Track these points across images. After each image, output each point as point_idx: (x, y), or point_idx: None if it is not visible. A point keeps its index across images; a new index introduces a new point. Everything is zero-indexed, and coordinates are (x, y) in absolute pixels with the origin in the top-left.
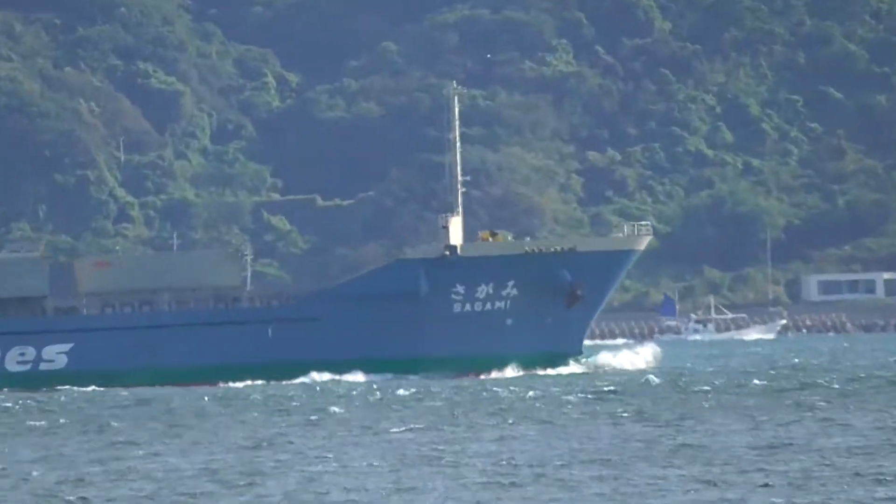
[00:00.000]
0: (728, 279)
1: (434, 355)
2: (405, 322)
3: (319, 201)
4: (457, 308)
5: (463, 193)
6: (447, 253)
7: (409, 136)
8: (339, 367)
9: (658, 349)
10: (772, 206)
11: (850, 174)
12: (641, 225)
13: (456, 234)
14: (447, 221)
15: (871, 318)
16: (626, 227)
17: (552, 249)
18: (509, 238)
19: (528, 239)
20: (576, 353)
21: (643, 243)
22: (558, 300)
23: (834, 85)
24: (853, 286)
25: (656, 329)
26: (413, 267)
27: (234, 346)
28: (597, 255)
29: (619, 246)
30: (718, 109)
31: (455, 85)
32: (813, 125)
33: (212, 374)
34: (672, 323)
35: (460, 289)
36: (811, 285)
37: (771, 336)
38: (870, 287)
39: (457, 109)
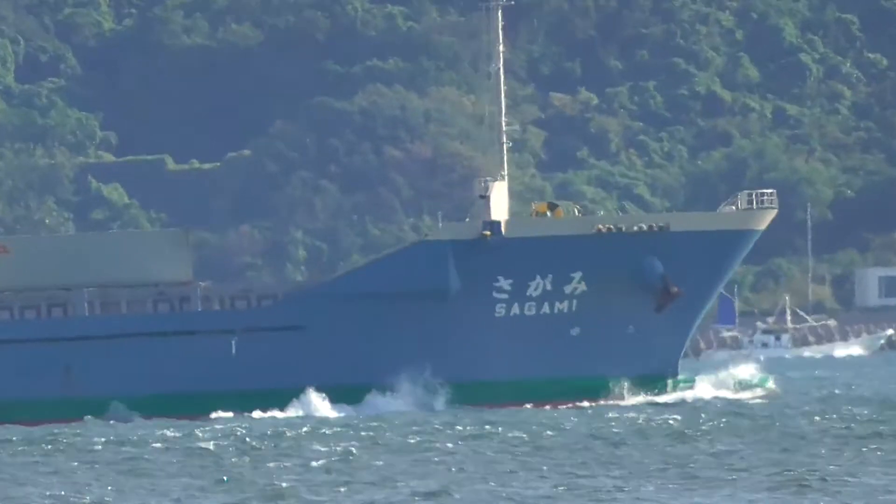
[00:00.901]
0: (751, 276)
1: (468, 379)
2: (428, 332)
3: (170, 164)
4: (500, 311)
5: (509, 149)
6: (487, 233)
7: (299, 73)
8: (335, 395)
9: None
10: (814, 173)
11: None
12: (764, 194)
13: (500, 207)
14: (487, 189)
15: None
16: (742, 196)
17: (636, 228)
18: (575, 212)
19: (602, 213)
20: (670, 374)
21: (765, 220)
22: (645, 300)
23: None
24: None
25: (705, 342)
26: (438, 253)
27: (184, 367)
28: (699, 236)
29: (729, 224)
30: (739, 34)
31: None
32: (874, 55)
33: (151, 405)
34: (731, 333)
35: (505, 283)
36: (868, 282)
37: (867, 352)
38: None
39: (500, 29)
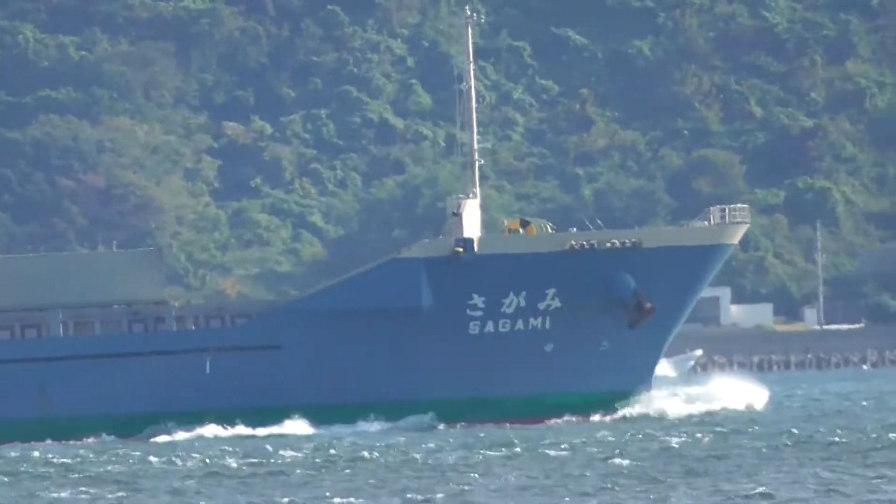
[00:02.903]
0: None
1: (441, 396)
2: (401, 349)
3: None
4: (474, 328)
5: (481, 167)
6: (460, 250)
7: None
8: (311, 414)
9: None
10: (488, 200)
11: (599, 152)
12: (736, 209)
13: (472, 224)
14: (460, 206)
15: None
16: (713, 211)
17: (608, 244)
18: (547, 228)
19: (575, 230)
20: (644, 389)
21: (737, 235)
22: (618, 316)
23: (575, 24)
24: None
25: None
26: (411, 270)
27: (158, 387)
28: (671, 251)
29: (702, 240)
30: (410, 61)
31: (469, 12)
32: (545, 82)
33: (126, 424)
34: None
35: (479, 300)
36: None
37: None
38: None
39: (471, 44)
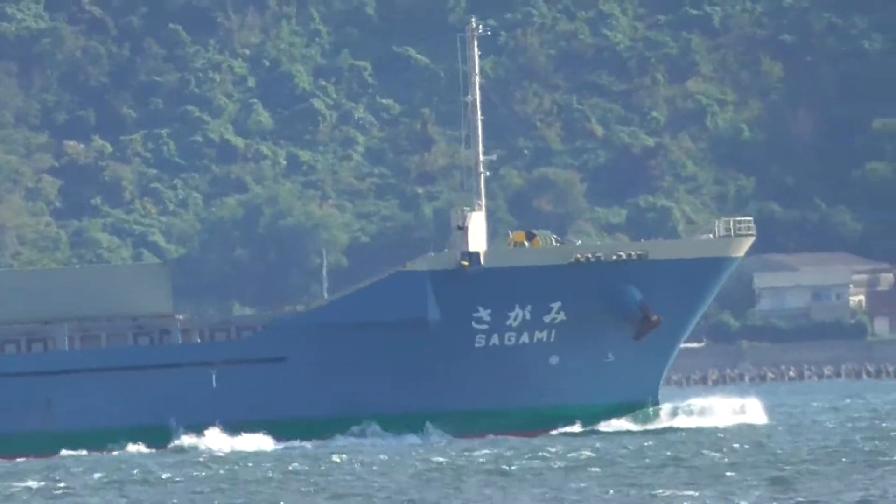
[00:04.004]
0: None
1: (448, 408)
2: (407, 361)
3: None
4: (480, 341)
5: (486, 178)
6: (465, 263)
7: None
8: (315, 428)
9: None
10: (329, 219)
11: (440, 171)
12: (741, 222)
13: (478, 237)
14: (465, 219)
15: None
16: (718, 224)
17: (614, 257)
18: (553, 241)
19: (580, 243)
20: (650, 401)
21: (743, 248)
22: (624, 328)
23: (416, 44)
24: None
25: None
26: (417, 283)
27: (165, 400)
28: (677, 264)
29: (707, 252)
30: (251, 81)
31: (475, 23)
32: (386, 101)
33: (132, 437)
34: None
35: (485, 313)
36: None
37: None
38: None
39: (477, 57)
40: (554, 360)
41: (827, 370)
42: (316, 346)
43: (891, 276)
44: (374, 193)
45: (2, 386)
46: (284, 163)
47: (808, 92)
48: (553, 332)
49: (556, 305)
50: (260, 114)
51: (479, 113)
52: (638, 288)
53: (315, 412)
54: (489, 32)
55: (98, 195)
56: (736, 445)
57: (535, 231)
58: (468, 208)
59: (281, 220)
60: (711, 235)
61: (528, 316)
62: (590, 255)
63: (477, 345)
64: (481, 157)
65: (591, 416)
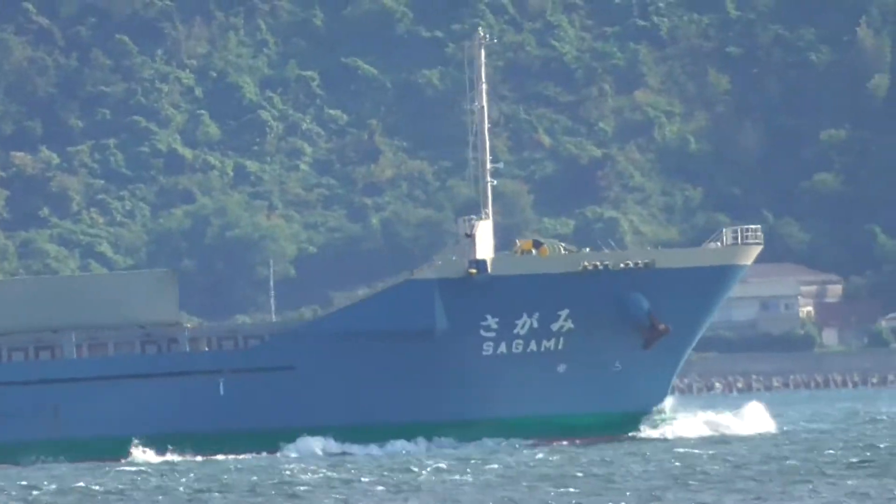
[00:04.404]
0: None
1: (455, 418)
2: (415, 370)
3: None
4: (487, 349)
5: (493, 187)
6: (473, 271)
7: None
8: (324, 436)
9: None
10: (276, 230)
11: (387, 182)
12: (749, 230)
13: (485, 246)
14: (472, 227)
15: None
16: (726, 233)
17: (622, 265)
18: (560, 249)
19: (588, 251)
20: (658, 411)
21: (750, 256)
22: (632, 337)
23: (364, 54)
24: None
25: None
26: (425, 292)
27: (172, 408)
28: (685, 273)
29: (715, 260)
30: (199, 91)
31: (482, 33)
32: (334, 112)
33: (140, 446)
34: None
35: (492, 322)
36: None
37: None
38: None
39: (483, 67)
40: (561, 368)
41: (776, 381)
42: (324, 355)
43: (839, 287)
44: (322, 204)
45: (9, 394)
46: (232, 174)
47: (755, 104)
48: (561, 340)
49: (563, 313)
50: (207, 125)
51: (486, 121)
52: (645, 296)
53: (323, 421)
54: (495, 41)
55: (45, 206)
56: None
57: (542, 239)
58: (475, 217)
59: (228, 231)
60: (719, 244)
61: (535, 324)
62: (597, 264)
63: (485, 353)
64: (489, 166)
65: (599, 426)
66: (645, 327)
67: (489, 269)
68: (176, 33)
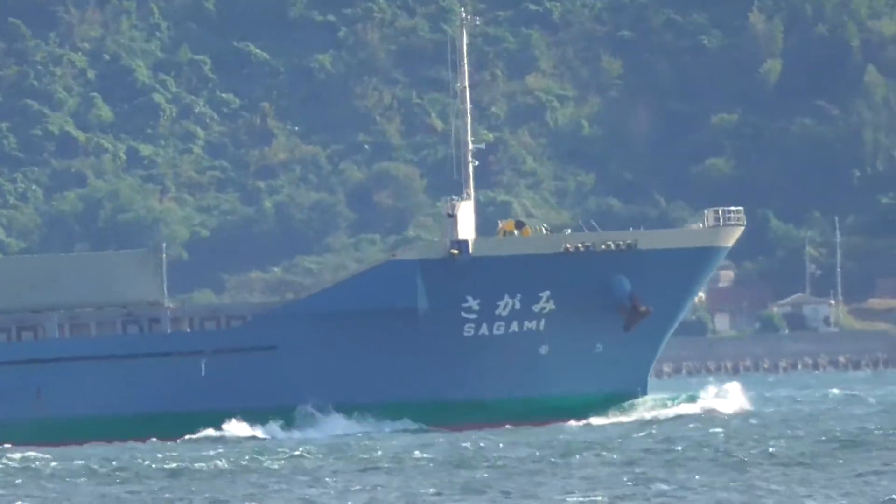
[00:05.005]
0: None
1: (436, 398)
2: (396, 350)
3: None
4: (469, 330)
5: (475, 167)
6: (455, 252)
7: None
8: (304, 416)
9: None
10: (169, 213)
11: (280, 165)
12: (730, 211)
13: (467, 226)
14: (454, 207)
15: None
16: (708, 214)
17: (604, 246)
18: (542, 230)
19: (569, 232)
20: (639, 392)
21: (732, 237)
22: (613, 318)
23: (256, 39)
24: None
25: None
26: (407, 272)
27: (154, 389)
28: (667, 254)
29: (697, 242)
30: (91, 74)
31: (465, 14)
32: (226, 95)
33: (122, 427)
34: None
35: (474, 303)
36: None
37: None
38: None
39: (465, 47)
40: (543, 349)
41: (666, 367)
42: (306, 335)
43: (731, 273)
44: (215, 187)
45: None
46: (125, 157)
47: (646, 88)
48: (542, 321)
49: (545, 295)
50: (100, 108)
51: (468, 101)
52: (627, 278)
53: (305, 401)
54: (478, 22)
55: None
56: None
57: (524, 220)
58: (457, 197)
59: (121, 215)
60: (701, 225)
61: (517, 305)
62: (579, 245)
63: (466, 334)
64: (471, 146)
65: (580, 407)
66: (626, 309)
67: (471, 250)
68: (69, 17)
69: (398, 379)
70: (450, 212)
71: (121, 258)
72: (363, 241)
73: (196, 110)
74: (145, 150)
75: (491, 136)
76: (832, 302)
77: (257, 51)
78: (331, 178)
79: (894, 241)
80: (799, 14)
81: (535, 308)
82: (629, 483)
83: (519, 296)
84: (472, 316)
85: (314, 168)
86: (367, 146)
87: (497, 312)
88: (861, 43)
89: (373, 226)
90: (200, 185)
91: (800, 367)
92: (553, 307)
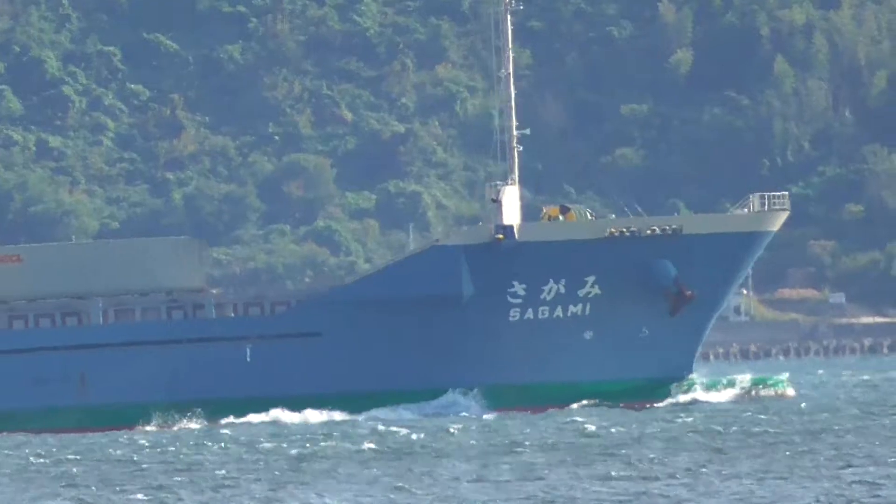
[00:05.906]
0: None
1: (482, 382)
2: (441, 337)
3: None
4: (514, 315)
5: (520, 153)
6: (500, 237)
7: None
8: (349, 403)
9: None
10: (79, 205)
11: (189, 157)
12: (776, 197)
13: (512, 211)
14: (499, 193)
15: None
16: (753, 199)
17: (649, 231)
18: (587, 215)
19: (614, 217)
20: (685, 376)
21: (777, 222)
22: (659, 303)
23: (166, 30)
24: None
25: None
26: (452, 257)
27: (199, 374)
28: (712, 239)
29: (742, 227)
30: (1, 66)
31: None
32: (136, 87)
33: (166, 413)
34: None
35: (519, 288)
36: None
37: None
38: None
39: (510, 31)
40: (588, 334)
41: None
42: (350, 322)
43: None
44: (125, 179)
45: (36, 360)
46: (34, 148)
47: (556, 78)
48: (588, 306)
49: (590, 279)
50: (9, 99)
51: (512, 87)
52: (672, 263)
53: (349, 387)
54: (521, 7)
55: None
56: None
57: (569, 205)
58: (501, 182)
59: (31, 207)
60: (746, 210)
61: (562, 290)
62: (624, 230)
63: (511, 318)
64: (515, 132)
65: (625, 391)
66: (671, 293)
67: (516, 235)
68: None
69: (442, 365)
70: (494, 197)
71: (165, 245)
72: (273, 232)
73: (106, 102)
74: (55, 141)
75: (402, 127)
76: (744, 291)
77: (167, 42)
78: (241, 170)
79: (805, 232)
80: (709, 4)
81: (580, 293)
82: None
83: (564, 281)
84: (518, 301)
85: (224, 160)
86: (276, 137)
87: (542, 297)
88: (770, 32)
89: (283, 217)
90: (110, 177)
91: (711, 357)
92: (598, 292)
